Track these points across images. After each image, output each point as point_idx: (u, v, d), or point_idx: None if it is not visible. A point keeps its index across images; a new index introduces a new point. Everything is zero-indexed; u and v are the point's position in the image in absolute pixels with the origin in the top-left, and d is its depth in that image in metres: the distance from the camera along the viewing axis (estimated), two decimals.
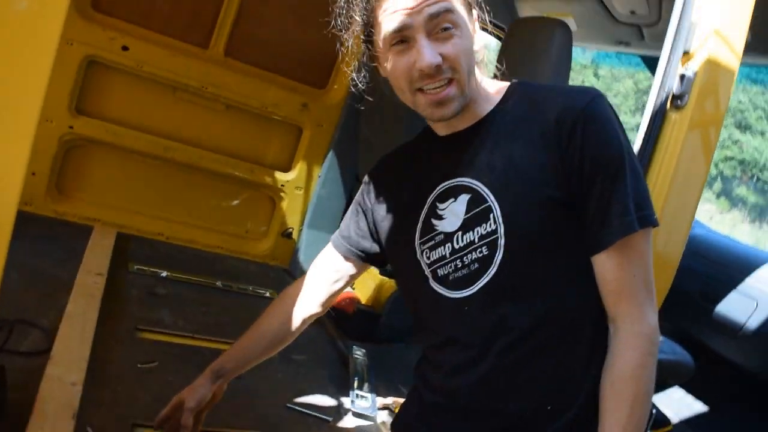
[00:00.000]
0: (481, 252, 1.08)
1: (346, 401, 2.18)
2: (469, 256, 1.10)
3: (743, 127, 22.46)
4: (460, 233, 1.12)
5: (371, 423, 2.10)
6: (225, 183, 3.06)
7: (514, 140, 1.10)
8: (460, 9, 1.07)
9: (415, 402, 1.26)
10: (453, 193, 1.15)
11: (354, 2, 1.11)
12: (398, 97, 1.14)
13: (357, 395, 2.20)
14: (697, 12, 1.43)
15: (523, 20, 2.87)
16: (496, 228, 1.07)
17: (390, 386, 2.36)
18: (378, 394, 2.26)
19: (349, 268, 1.38)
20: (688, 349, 2.40)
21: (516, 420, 1.09)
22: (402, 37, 1.06)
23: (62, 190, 2.80)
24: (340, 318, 2.70)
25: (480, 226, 1.09)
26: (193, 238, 3.05)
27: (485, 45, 1.19)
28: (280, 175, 3.12)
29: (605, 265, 1.05)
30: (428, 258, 1.17)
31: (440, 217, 1.15)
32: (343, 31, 1.15)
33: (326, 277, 1.38)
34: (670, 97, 1.42)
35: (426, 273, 1.18)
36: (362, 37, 1.14)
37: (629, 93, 20.37)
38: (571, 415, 1.07)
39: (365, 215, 1.34)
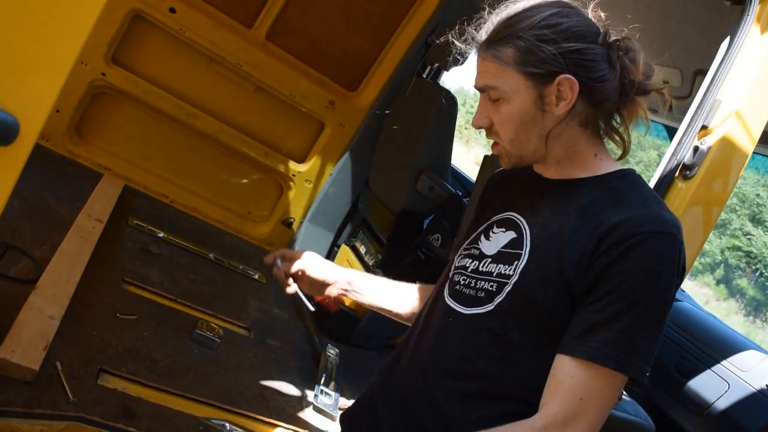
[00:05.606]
0: (491, 286, 1.13)
1: (309, 395, 2.20)
2: (482, 283, 1.14)
3: (757, 221, 22.42)
4: (489, 260, 1.16)
5: (330, 421, 2.12)
6: (238, 161, 3.10)
7: (578, 217, 1.09)
8: (513, 80, 1.07)
9: (367, 395, 1.31)
10: (508, 225, 1.18)
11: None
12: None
13: (321, 391, 2.22)
14: (723, 90, 1.46)
15: None
16: (512, 276, 1.10)
17: (355, 389, 2.38)
18: (342, 395, 2.28)
19: None
20: (652, 417, 2.40)
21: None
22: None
23: (81, 133, 2.84)
24: (321, 314, 2.72)
25: (504, 265, 1.12)
26: (196, 207, 3.09)
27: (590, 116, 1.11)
28: (293, 165, 3.16)
29: (562, 366, 1.03)
30: (458, 262, 1.23)
31: (488, 238, 1.20)
32: None
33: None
34: (680, 166, 1.45)
35: (450, 273, 1.24)
36: None
37: (651, 163, 20.45)
38: None
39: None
